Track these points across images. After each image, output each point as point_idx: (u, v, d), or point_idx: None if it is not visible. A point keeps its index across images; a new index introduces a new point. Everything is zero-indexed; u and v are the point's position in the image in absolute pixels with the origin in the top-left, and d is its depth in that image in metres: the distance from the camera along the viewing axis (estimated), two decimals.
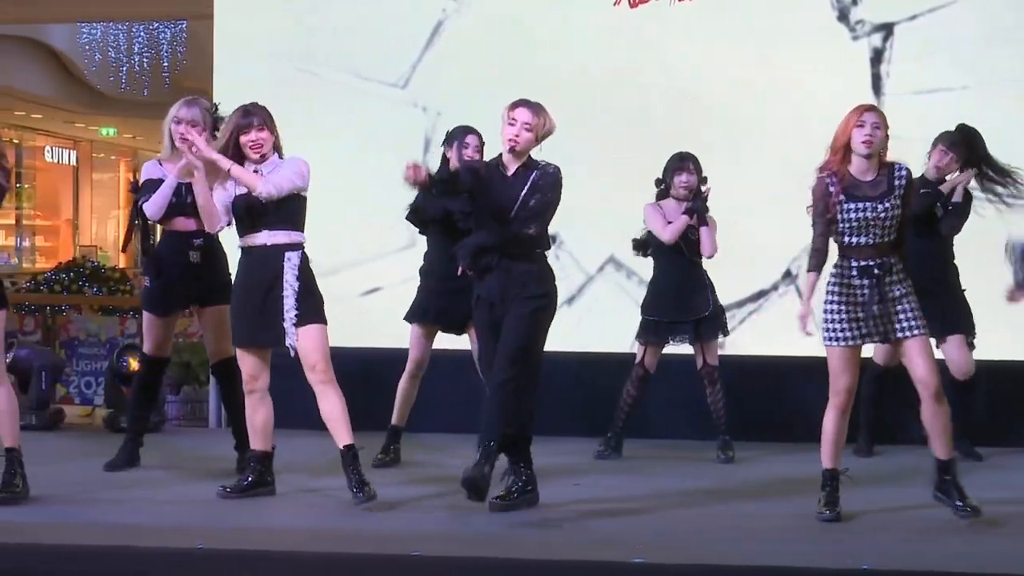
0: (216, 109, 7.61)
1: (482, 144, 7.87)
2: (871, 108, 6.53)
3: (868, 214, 6.40)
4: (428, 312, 7.90)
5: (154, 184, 7.44)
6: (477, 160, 7.09)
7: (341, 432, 6.76)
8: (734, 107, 9.25)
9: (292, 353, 6.81)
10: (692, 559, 5.75)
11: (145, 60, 19.45)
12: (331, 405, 6.79)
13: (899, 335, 6.41)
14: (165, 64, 19.43)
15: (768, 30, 9.33)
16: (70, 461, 7.97)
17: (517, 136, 6.61)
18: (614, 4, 9.46)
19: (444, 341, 8.12)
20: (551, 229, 6.89)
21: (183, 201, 7.39)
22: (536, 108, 6.63)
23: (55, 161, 22.93)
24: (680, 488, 7.36)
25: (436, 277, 7.84)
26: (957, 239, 8.31)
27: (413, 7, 9.68)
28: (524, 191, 6.60)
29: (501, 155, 6.77)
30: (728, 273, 8.94)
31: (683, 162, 8.31)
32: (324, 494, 7.06)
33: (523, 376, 6.57)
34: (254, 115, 6.89)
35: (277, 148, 6.97)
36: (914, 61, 9.23)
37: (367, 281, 9.25)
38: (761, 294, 9.29)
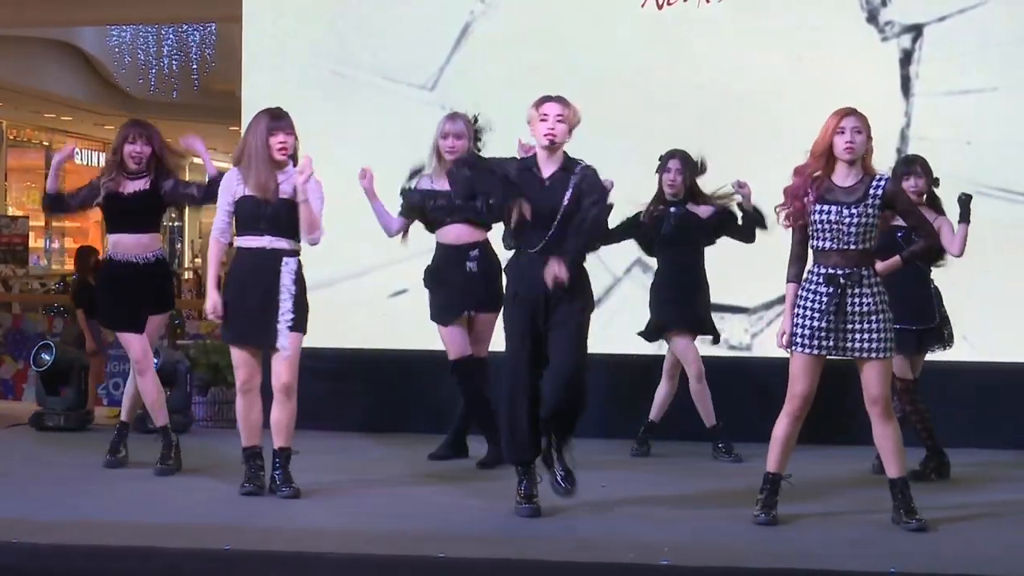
0: (476, 120, 8.04)
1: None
2: (851, 112, 6.37)
3: (833, 217, 6.29)
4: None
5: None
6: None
7: (282, 436, 7.00)
8: (763, 108, 9.24)
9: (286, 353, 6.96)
10: (718, 561, 5.73)
11: (174, 62, 19.53)
12: (286, 415, 7.00)
13: (857, 355, 6.33)
14: (194, 66, 19.51)
15: (797, 31, 9.32)
16: (99, 461, 7.97)
17: (553, 130, 6.53)
18: (641, 5, 9.46)
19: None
20: None
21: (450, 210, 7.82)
22: (562, 100, 6.60)
23: (85, 163, 23.00)
24: (710, 490, 7.35)
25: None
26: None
27: (441, 10, 9.70)
28: (568, 197, 6.51)
29: (534, 156, 6.67)
30: (759, 275, 8.94)
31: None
32: (351, 495, 7.07)
33: (582, 394, 6.59)
34: (284, 118, 7.03)
35: (294, 156, 7.05)
36: (944, 62, 9.20)
37: (394, 283, 9.25)
38: None
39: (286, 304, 6.91)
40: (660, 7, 9.48)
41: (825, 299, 6.32)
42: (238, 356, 7.06)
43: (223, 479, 7.44)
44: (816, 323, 6.33)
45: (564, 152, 6.63)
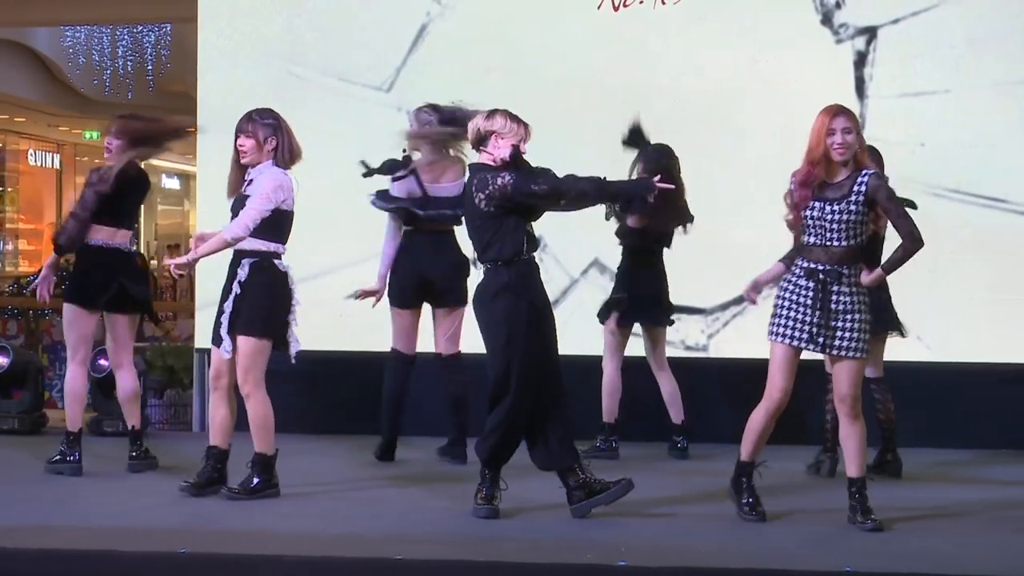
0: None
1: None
2: (840, 112, 6.36)
3: (816, 213, 6.34)
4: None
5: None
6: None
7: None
8: (719, 109, 9.28)
9: (225, 356, 6.98)
10: (675, 562, 5.75)
11: (129, 63, 19.40)
12: (248, 417, 7.02)
13: (834, 352, 6.38)
14: (149, 67, 19.39)
15: (752, 33, 9.36)
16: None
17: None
18: (598, 7, 9.48)
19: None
20: (538, 231, 6.87)
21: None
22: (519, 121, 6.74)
23: (38, 164, 22.85)
24: (668, 490, 7.37)
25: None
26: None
27: (397, 11, 9.69)
28: None
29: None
30: (713, 275, 8.99)
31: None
32: (310, 498, 7.05)
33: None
34: (246, 121, 7.01)
35: (278, 160, 7.00)
36: (897, 64, 9.26)
37: (349, 284, 9.22)
38: (745, 297, 9.27)
39: (228, 306, 6.93)
40: (616, 8, 9.50)
41: (806, 293, 6.39)
42: (212, 354, 7.14)
43: (177, 483, 7.41)
44: (797, 315, 6.39)
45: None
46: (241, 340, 6.92)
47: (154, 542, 5.96)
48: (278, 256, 7.04)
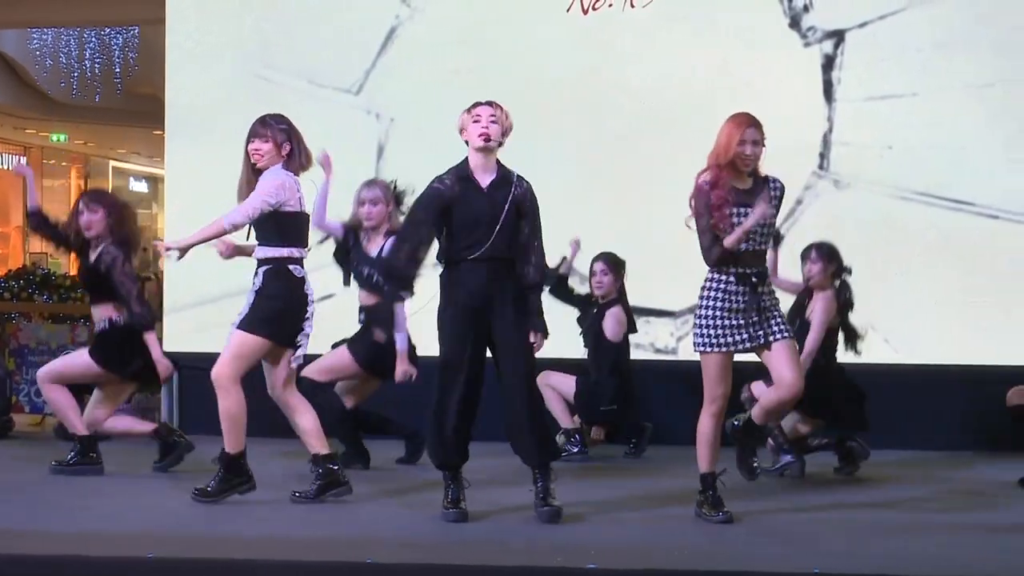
0: (395, 186, 8.17)
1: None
2: (751, 123, 6.46)
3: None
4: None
5: None
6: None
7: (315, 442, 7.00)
8: (688, 111, 9.29)
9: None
10: (646, 564, 5.75)
11: (97, 66, 19.32)
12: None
13: (773, 338, 6.45)
14: (117, 70, 19.31)
15: (721, 36, 9.39)
16: (21, 469, 7.88)
17: (487, 129, 6.50)
18: (567, 10, 9.49)
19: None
20: None
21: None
22: (494, 103, 6.59)
23: (5, 167, 22.75)
24: (637, 493, 7.38)
25: None
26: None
27: (367, 13, 9.69)
28: (507, 206, 6.52)
29: (467, 163, 6.61)
30: (682, 278, 8.99)
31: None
32: (278, 501, 7.02)
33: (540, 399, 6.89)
34: (261, 125, 6.96)
35: (290, 166, 6.94)
36: (865, 67, 9.31)
37: (319, 288, 9.19)
38: None
39: (243, 309, 6.86)
40: (585, 11, 9.51)
41: (738, 298, 6.43)
42: None
43: (146, 486, 7.39)
44: (730, 321, 6.43)
45: (498, 160, 6.62)
46: (237, 333, 6.82)
47: (121, 547, 5.93)
48: (293, 261, 6.91)
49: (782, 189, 6.55)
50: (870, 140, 9.20)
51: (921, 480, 7.92)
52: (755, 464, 6.88)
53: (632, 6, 9.45)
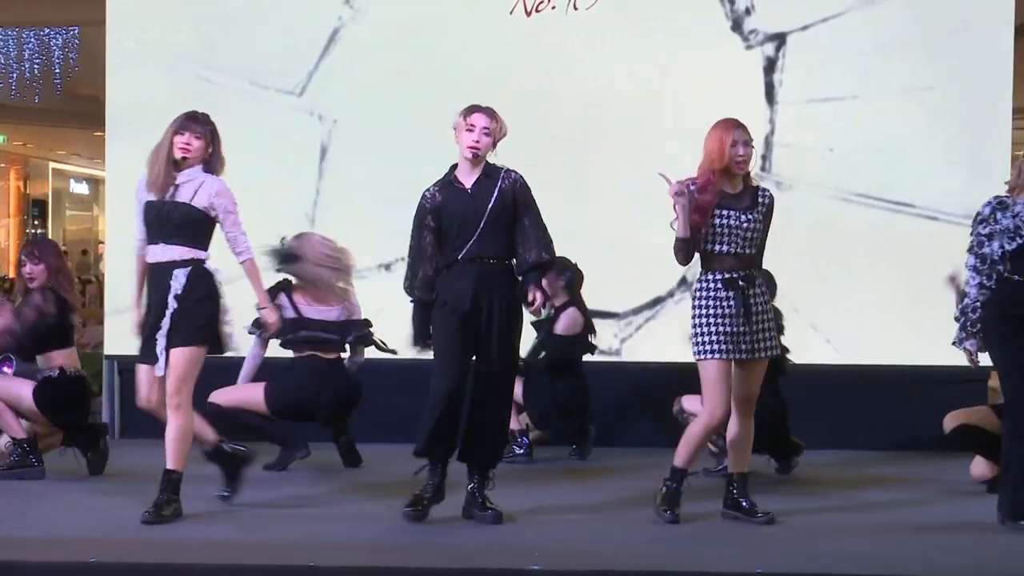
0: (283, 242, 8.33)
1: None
2: (739, 125, 6.53)
3: (732, 222, 6.45)
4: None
5: None
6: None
7: (171, 456, 6.59)
8: (632, 114, 9.33)
9: (159, 374, 6.59)
10: (588, 565, 5.76)
11: (36, 67, 19.18)
12: (172, 430, 6.58)
13: (760, 355, 6.50)
14: (57, 71, 19.18)
15: (664, 38, 9.41)
16: None
17: (478, 142, 6.54)
18: (510, 12, 9.49)
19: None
20: None
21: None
22: (491, 112, 6.59)
23: None
24: (581, 495, 7.39)
25: None
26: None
27: (309, 14, 9.64)
28: (493, 201, 6.55)
29: (453, 170, 6.65)
30: (626, 279, 9.04)
31: None
32: (221, 505, 6.97)
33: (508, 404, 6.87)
34: (194, 121, 6.77)
35: (210, 167, 6.79)
36: (807, 70, 9.36)
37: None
38: (657, 301, 9.36)
39: (166, 322, 6.55)
40: (529, 13, 9.52)
41: (728, 303, 6.44)
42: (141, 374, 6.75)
43: (89, 491, 7.33)
44: (727, 328, 6.43)
45: (486, 161, 6.65)
46: (179, 352, 6.54)
47: (62, 552, 5.88)
48: (207, 261, 6.76)
49: (771, 199, 6.58)
50: (812, 142, 9.26)
51: (862, 480, 7.97)
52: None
53: (575, 8, 9.47)
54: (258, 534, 6.37)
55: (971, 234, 6.59)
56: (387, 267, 9.39)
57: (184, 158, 6.69)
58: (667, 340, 8.90)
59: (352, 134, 9.51)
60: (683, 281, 9.26)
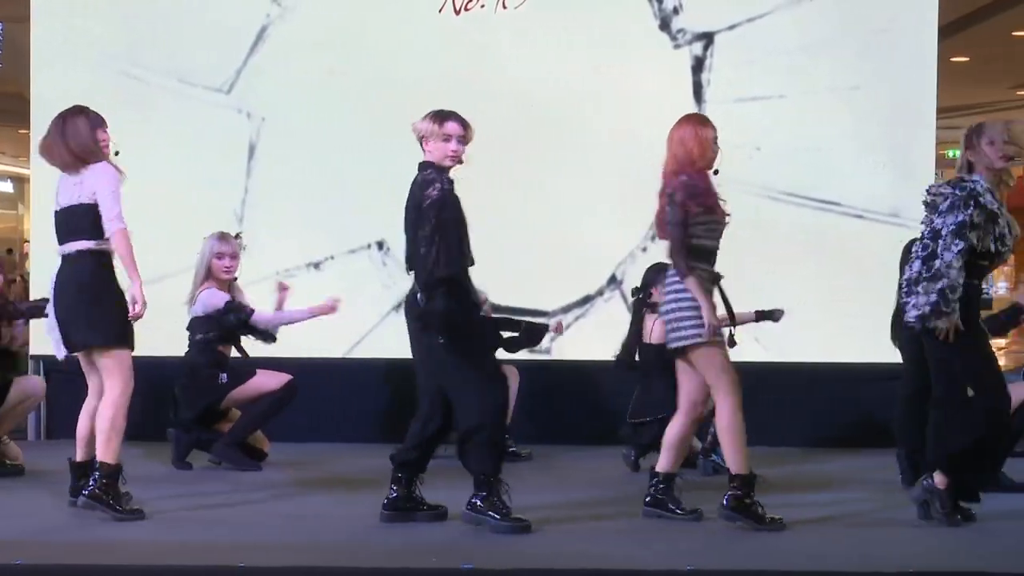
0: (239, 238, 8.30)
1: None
2: (711, 122, 6.66)
3: (725, 219, 6.58)
4: None
5: None
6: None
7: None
8: (561, 113, 9.34)
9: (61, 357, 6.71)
10: (520, 564, 5.78)
11: None
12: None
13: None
14: None
15: (592, 37, 9.44)
16: None
17: (456, 151, 6.47)
18: (439, 10, 9.48)
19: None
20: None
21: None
22: (461, 119, 6.53)
23: None
24: (515, 494, 7.39)
25: None
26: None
27: (236, 12, 9.58)
28: (404, 217, 6.54)
29: (439, 170, 6.49)
30: (556, 278, 9.06)
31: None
32: (156, 505, 6.92)
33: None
34: (101, 119, 6.83)
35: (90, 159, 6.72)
36: (734, 69, 9.42)
37: (186, 290, 9.11)
38: (587, 299, 9.39)
39: (76, 312, 6.61)
40: (458, 12, 9.51)
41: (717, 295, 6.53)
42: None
43: (16, 492, 7.26)
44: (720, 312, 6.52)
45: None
46: (117, 352, 6.56)
47: None
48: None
49: None
50: (740, 141, 9.29)
51: (789, 477, 8.02)
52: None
53: (504, 7, 9.47)
54: (190, 535, 6.33)
55: (964, 211, 6.32)
56: (316, 266, 9.37)
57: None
58: (595, 339, 8.93)
59: (280, 132, 9.47)
60: (612, 279, 9.31)
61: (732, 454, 6.43)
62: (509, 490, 6.38)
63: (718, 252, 6.56)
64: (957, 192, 6.38)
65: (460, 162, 6.49)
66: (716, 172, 6.62)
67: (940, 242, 6.32)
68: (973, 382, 6.46)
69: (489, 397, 6.37)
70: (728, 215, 6.57)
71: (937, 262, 6.28)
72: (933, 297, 6.27)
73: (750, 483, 6.43)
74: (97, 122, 6.78)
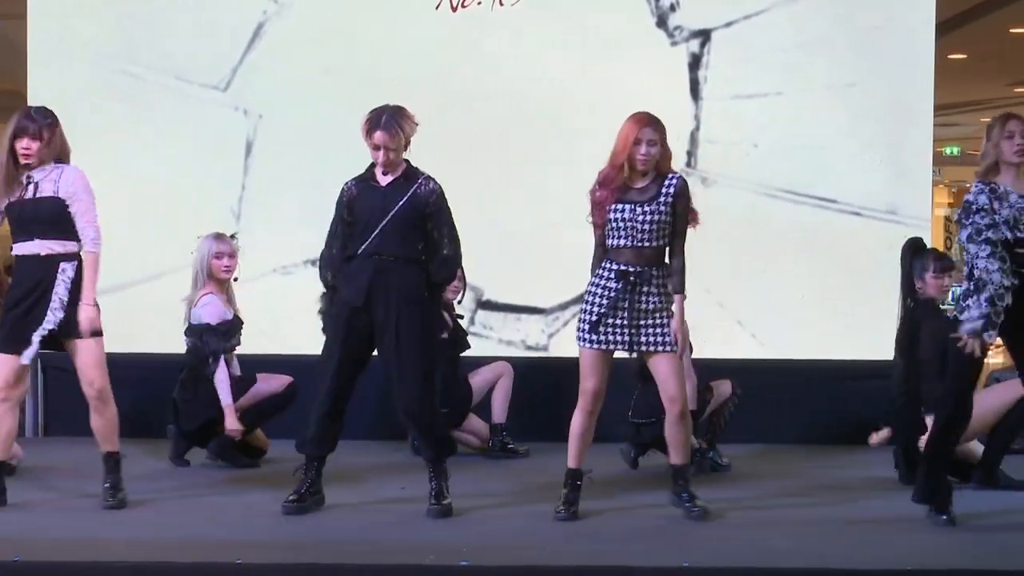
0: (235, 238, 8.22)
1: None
2: (648, 123, 6.50)
3: (627, 215, 6.44)
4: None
5: None
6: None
7: (107, 441, 6.78)
8: (557, 111, 9.34)
9: (27, 362, 6.65)
10: (517, 560, 5.78)
11: None
12: (100, 421, 6.74)
13: (645, 348, 6.48)
14: None
15: (589, 34, 9.43)
16: None
17: (386, 162, 6.65)
18: (436, 7, 9.48)
19: None
20: None
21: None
22: (390, 127, 6.60)
23: None
24: (509, 489, 7.40)
25: None
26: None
27: (233, 9, 9.57)
28: (402, 201, 6.65)
29: (373, 166, 6.75)
30: (552, 275, 9.05)
31: None
32: (146, 503, 6.93)
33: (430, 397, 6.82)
34: (33, 121, 6.66)
35: (61, 156, 6.72)
36: (731, 67, 9.42)
37: (182, 288, 9.10)
38: (582, 297, 9.36)
39: (57, 314, 6.56)
40: (455, 9, 9.51)
41: (613, 295, 6.45)
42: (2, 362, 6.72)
43: (9, 490, 7.26)
44: (606, 319, 6.45)
45: (407, 161, 6.76)
46: (94, 342, 6.63)
47: None
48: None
49: (678, 185, 6.50)
50: (736, 138, 9.32)
51: (784, 474, 8.02)
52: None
53: (501, 4, 9.46)
54: (183, 532, 6.33)
55: (966, 222, 6.36)
56: (313, 263, 9.31)
57: (27, 164, 6.65)
58: None
59: (277, 129, 9.46)
60: None
61: (571, 449, 6.71)
62: None
63: (638, 249, 6.47)
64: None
65: (387, 168, 6.70)
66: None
67: (965, 255, 6.39)
68: (951, 380, 6.52)
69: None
70: (620, 217, 6.46)
71: (976, 272, 6.28)
72: (985, 308, 6.21)
73: (575, 476, 6.67)
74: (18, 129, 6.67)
